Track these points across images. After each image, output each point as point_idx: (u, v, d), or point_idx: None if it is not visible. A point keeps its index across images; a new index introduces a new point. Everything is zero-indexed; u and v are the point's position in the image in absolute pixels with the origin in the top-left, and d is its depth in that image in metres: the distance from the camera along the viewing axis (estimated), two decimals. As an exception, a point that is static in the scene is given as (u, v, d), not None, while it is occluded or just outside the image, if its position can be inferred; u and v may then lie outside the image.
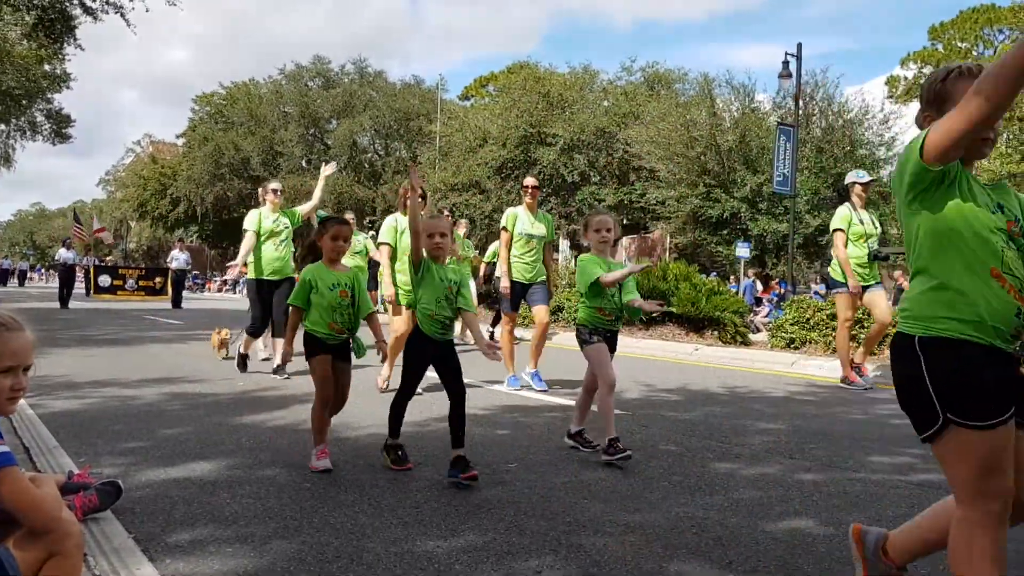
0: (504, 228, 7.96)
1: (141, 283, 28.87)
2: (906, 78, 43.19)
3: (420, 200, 6.80)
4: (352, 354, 4.75)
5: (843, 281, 8.40)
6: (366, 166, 48.95)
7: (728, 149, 26.57)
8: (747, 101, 28.11)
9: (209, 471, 4.33)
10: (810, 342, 11.32)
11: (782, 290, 21.74)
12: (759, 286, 23.61)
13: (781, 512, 3.79)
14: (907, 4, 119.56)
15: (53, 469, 4.19)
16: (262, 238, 8.71)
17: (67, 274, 22.53)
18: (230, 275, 11.03)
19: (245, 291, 10.74)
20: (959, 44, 41.41)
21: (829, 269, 8.84)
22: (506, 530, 3.46)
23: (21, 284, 47.79)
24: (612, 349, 5.11)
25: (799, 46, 21.65)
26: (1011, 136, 30.61)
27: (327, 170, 9.01)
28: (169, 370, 8.51)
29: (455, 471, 4.14)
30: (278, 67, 63.49)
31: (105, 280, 28.26)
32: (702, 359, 11.32)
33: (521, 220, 7.94)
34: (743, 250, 23.85)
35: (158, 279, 28.95)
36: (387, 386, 7.17)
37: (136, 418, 5.80)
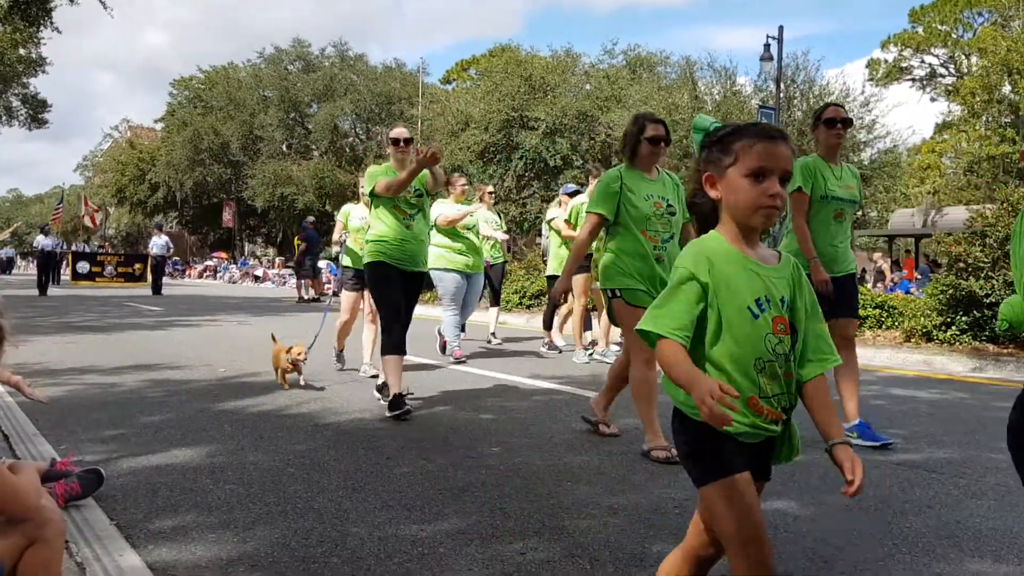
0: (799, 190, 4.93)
1: (120, 269, 28.65)
2: (887, 61, 43.32)
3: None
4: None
5: None
6: (347, 151, 48.66)
7: (710, 132, 26.58)
8: (729, 84, 28.14)
9: (191, 457, 4.31)
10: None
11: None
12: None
13: (765, 493, 3.81)
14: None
15: (33, 456, 4.16)
16: (385, 204, 5.73)
17: (45, 261, 22.32)
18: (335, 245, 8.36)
19: (333, 284, 8.20)
20: (939, 27, 41.54)
21: None
22: (490, 513, 3.47)
23: (6, 272, 47.11)
24: None
25: (780, 29, 21.70)
26: (991, 119, 30.80)
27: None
28: (150, 357, 8.45)
29: None
30: (257, 50, 62.89)
31: (84, 267, 28.05)
32: (684, 342, 11.35)
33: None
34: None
35: (137, 265, 28.75)
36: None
37: (117, 405, 5.76)
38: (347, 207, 8.03)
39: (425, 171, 5.67)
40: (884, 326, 10.61)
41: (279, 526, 3.24)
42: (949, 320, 9.63)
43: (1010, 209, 9.82)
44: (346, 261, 7.74)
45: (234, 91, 50.23)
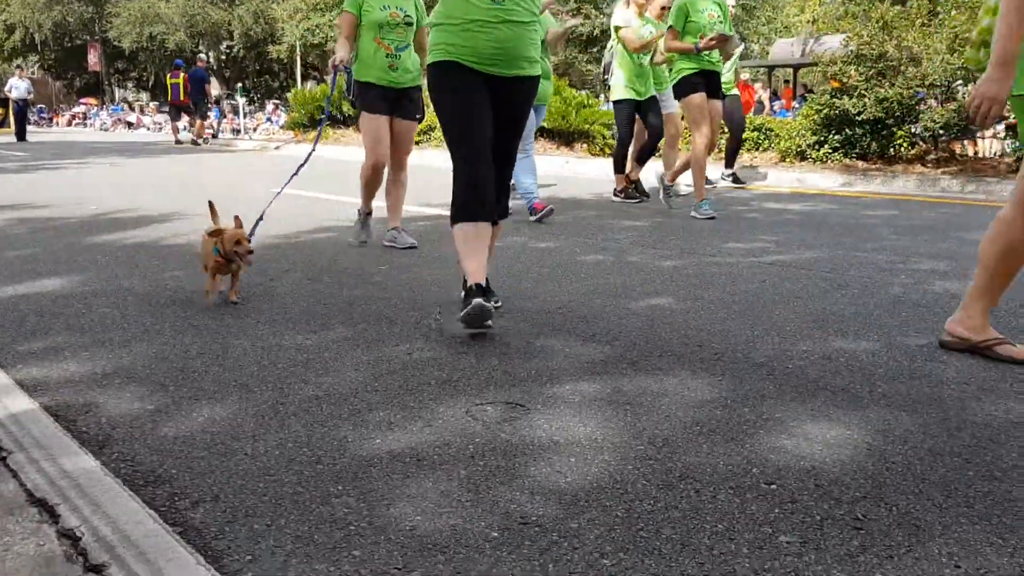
0: None
1: (-22, 116, 26.60)
2: None
3: None
4: None
5: None
6: (219, -16, 45.49)
7: (598, -40, 25.93)
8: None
9: (62, 286, 4.14)
10: (676, 150, 11.53)
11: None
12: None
13: (642, 292, 3.94)
14: None
15: None
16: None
17: None
18: None
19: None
20: None
21: None
22: (376, 321, 3.47)
23: None
24: None
25: None
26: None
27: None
28: (14, 197, 7.98)
29: None
30: None
31: (-63, 115, 25.94)
32: (573, 171, 11.42)
33: None
34: (614, 66, 23.68)
35: (-3, 111, 26.73)
36: None
37: (-21, 243, 5.45)
38: None
39: None
40: (761, 148, 10.86)
41: (156, 343, 3.17)
42: (822, 139, 9.93)
43: (883, 27, 9.99)
44: (360, 75, 5.17)
45: (87, -83, 45.81)
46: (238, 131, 27.01)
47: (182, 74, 20.08)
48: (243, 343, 3.16)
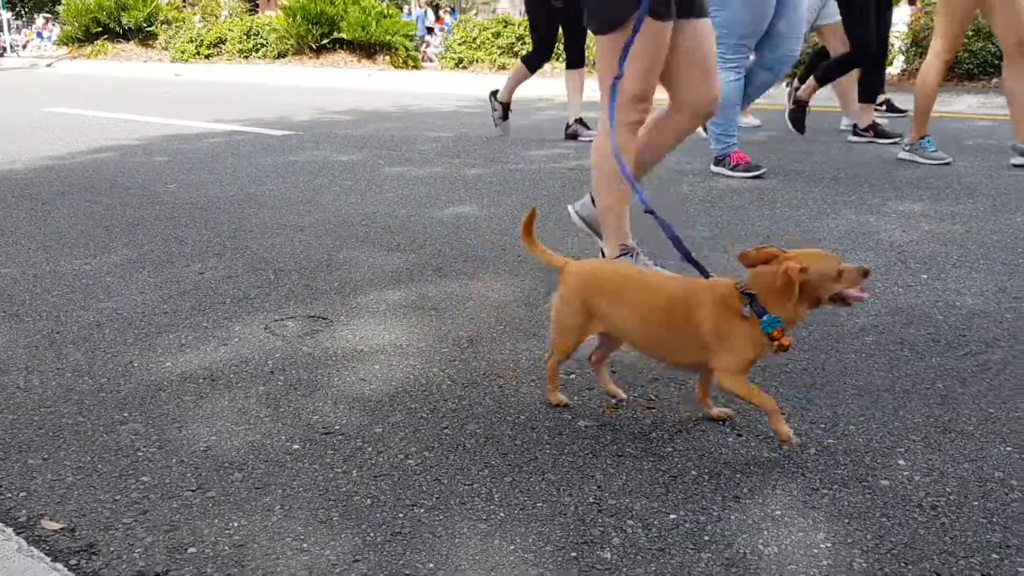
0: None
1: None
2: None
3: None
4: None
5: None
6: None
7: None
8: None
9: None
10: (477, 61, 11.47)
11: (453, 20, 21.65)
12: (431, 16, 23.34)
13: (447, 201, 3.90)
14: None
15: None
16: None
17: None
18: None
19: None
20: None
21: None
22: (164, 242, 3.25)
23: None
24: None
25: None
26: None
27: None
28: None
29: None
30: None
31: None
32: (375, 85, 11.12)
33: None
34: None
35: None
36: None
37: None
38: None
39: None
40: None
41: (-91, 276, 2.84)
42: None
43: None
44: None
45: None
46: (4, 48, 24.47)
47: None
48: (11, 272, 2.89)
